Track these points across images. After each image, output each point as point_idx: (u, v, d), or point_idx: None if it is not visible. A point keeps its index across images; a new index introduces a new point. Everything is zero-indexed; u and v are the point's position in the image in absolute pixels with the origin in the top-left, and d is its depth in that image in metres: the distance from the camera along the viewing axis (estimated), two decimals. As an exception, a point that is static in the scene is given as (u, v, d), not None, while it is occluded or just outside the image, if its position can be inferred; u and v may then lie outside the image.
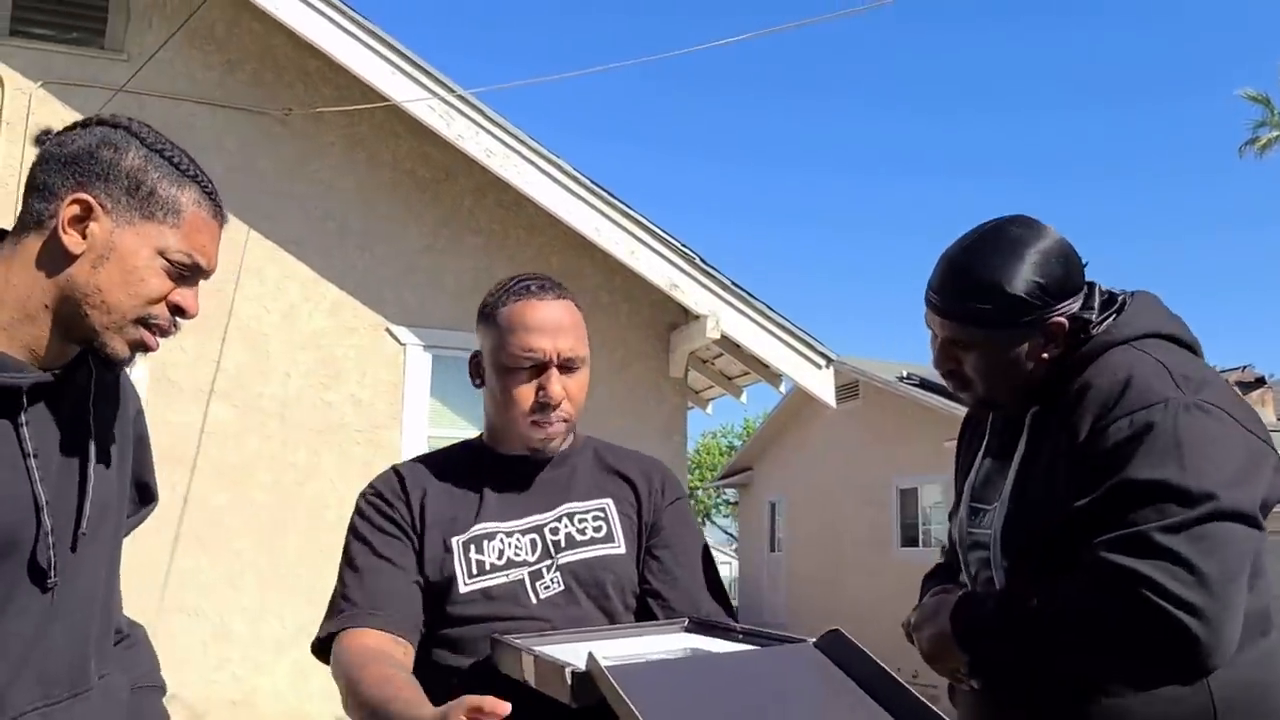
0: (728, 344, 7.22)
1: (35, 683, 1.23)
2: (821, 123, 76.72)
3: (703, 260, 6.94)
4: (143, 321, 1.26)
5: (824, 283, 74.61)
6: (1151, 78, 69.28)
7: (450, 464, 1.69)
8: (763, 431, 20.53)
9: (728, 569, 41.84)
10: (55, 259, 1.21)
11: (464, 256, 7.14)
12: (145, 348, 1.28)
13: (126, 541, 6.11)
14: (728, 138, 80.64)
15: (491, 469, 1.68)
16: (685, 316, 7.18)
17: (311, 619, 6.66)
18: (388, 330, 6.91)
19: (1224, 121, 66.62)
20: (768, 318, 7.04)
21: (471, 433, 7.01)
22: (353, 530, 1.63)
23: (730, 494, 30.83)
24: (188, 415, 6.52)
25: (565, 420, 1.63)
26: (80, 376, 1.30)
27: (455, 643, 1.56)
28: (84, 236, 1.21)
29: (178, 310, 1.28)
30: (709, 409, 9.19)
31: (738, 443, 36.00)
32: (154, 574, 6.35)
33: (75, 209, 1.21)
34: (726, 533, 39.16)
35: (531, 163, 6.74)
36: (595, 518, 1.66)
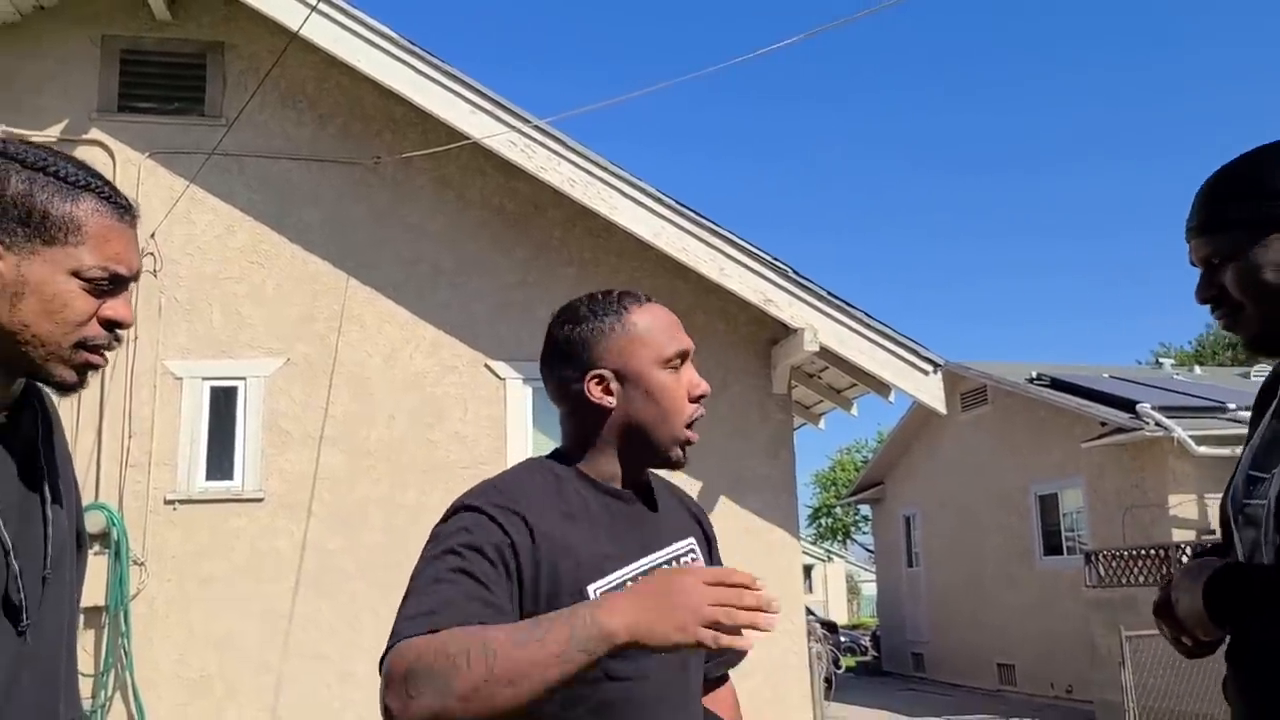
0: (831, 356, 7.01)
1: None
2: (923, 116, 74.30)
3: (795, 272, 6.78)
4: (81, 344, 1.23)
5: (943, 286, 72.51)
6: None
7: (559, 493, 1.48)
8: (891, 443, 19.95)
9: (869, 587, 40.89)
10: None
11: (557, 287, 7.15)
12: (92, 367, 1.25)
13: (253, 590, 6.22)
14: (819, 141, 78.88)
15: (602, 501, 1.51)
16: (784, 331, 7.01)
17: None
18: (486, 366, 6.97)
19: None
20: (868, 326, 6.81)
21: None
22: (450, 550, 1.33)
23: (866, 509, 30.15)
24: (300, 463, 6.70)
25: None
26: (26, 419, 1.28)
27: (594, 705, 1.38)
28: None
29: (112, 324, 1.24)
30: (821, 424, 8.96)
31: (872, 457, 35.22)
32: (278, 621, 6.52)
33: None
34: (867, 549, 38.27)
35: (615, 188, 6.71)
36: (691, 556, 1.58)
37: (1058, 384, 14.41)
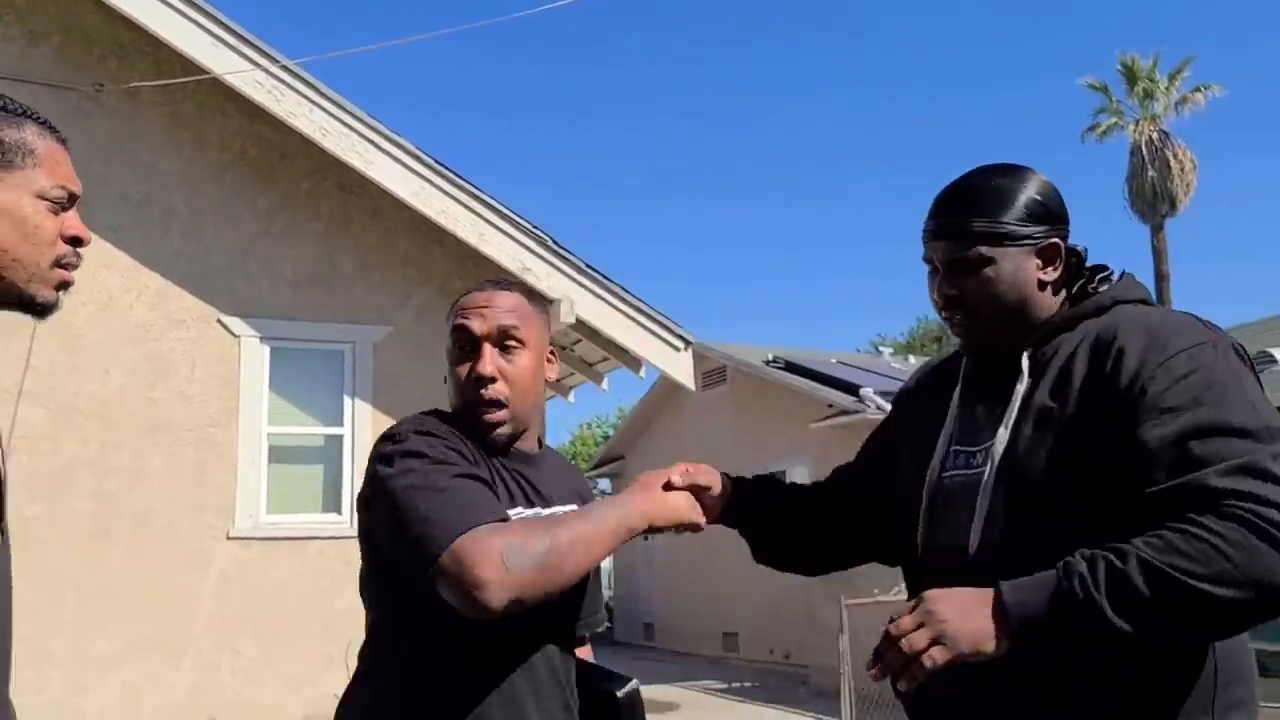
0: (585, 329, 7.01)
1: None
2: (687, 69, 73.82)
3: (555, 242, 6.72)
4: (55, 263, 1.29)
5: (691, 267, 74.34)
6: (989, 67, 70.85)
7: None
8: (633, 419, 20.42)
9: (609, 560, 41.73)
10: None
11: (303, 243, 6.74)
12: (66, 285, 1.32)
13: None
14: (574, 98, 77.73)
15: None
16: (541, 302, 6.93)
17: (143, 633, 6.13)
18: (219, 321, 6.47)
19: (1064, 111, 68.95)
20: (624, 300, 6.86)
21: (317, 429, 6.59)
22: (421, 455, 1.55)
23: (605, 485, 30.78)
24: (-7, 419, 5.96)
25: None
26: None
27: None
28: None
29: (75, 240, 1.31)
30: (571, 397, 8.98)
31: (613, 432, 35.90)
32: (-41, 594, 5.78)
33: None
34: (604, 523, 39.00)
35: (371, 141, 6.39)
36: None
37: (791, 367, 15.20)
